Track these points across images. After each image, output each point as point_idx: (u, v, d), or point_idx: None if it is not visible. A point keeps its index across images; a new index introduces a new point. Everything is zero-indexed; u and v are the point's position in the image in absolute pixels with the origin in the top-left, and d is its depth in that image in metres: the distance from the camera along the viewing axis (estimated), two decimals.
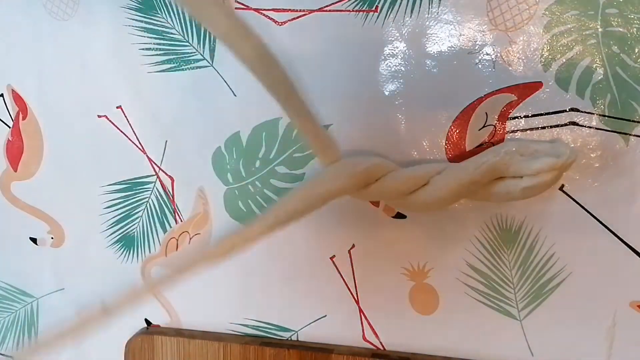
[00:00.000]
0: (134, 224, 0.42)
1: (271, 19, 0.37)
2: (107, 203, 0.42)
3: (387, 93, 0.36)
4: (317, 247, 0.39)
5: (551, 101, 0.33)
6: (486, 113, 0.34)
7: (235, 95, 0.38)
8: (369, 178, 0.34)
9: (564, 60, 0.33)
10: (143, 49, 0.39)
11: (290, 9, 0.36)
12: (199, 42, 0.38)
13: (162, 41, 0.39)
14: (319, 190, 0.33)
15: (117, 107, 0.40)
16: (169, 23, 0.39)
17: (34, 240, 0.45)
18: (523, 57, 0.33)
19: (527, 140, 0.34)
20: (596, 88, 0.33)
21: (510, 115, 0.34)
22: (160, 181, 0.41)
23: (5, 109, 0.43)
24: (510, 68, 0.34)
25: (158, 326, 0.44)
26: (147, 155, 0.41)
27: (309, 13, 0.36)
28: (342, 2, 0.35)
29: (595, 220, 0.34)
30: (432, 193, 0.33)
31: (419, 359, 0.38)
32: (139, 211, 0.42)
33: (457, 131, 0.35)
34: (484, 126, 0.35)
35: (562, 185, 0.34)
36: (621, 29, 0.32)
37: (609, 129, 0.33)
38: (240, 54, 0.27)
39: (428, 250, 0.37)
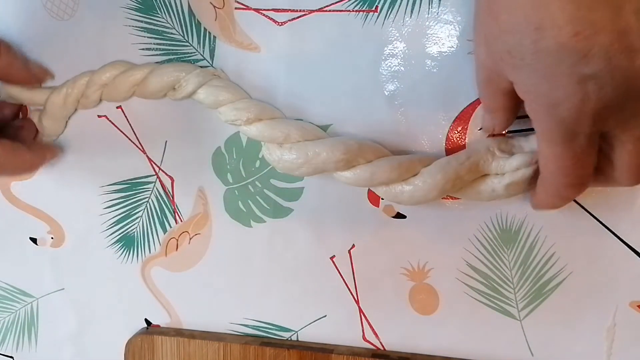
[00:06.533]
0: (134, 224, 0.42)
1: (271, 19, 0.37)
2: (107, 203, 0.42)
3: (387, 93, 0.36)
4: (317, 247, 0.39)
5: None
6: None
7: None
8: (359, 156, 0.34)
9: None
10: (143, 49, 0.39)
11: (290, 9, 0.36)
12: (199, 42, 0.38)
13: (162, 41, 0.39)
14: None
15: (117, 107, 0.40)
16: (169, 23, 0.39)
17: (34, 240, 0.45)
18: None
19: (507, 136, 0.34)
20: None
21: None
22: (160, 181, 0.41)
23: None
24: None
25: (158, 326, 0.44)
26: (147, 155, 0.41)
27: (309, 13, 0.36)
28: (342, 2, 0.35)
29: (595, 220, 0.34)
30: (420, 185, 0.33)
31: (419, 359, 0.38)
32: (139, 211, 0.42)
33: (457, 131, 0.35)
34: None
35: None
36: None
37: None
38: None
39: (428, 250, 0.37)
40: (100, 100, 0.39)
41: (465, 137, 0.35)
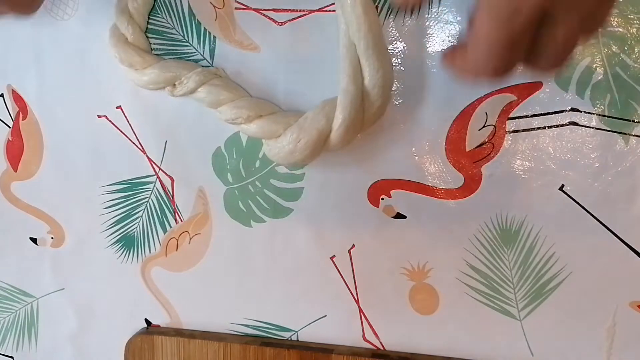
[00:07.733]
0: (134, 224, 0.42)
1: (271, 19, 0.37)
2: (107, 203, 0.42)
3: None
4: (317, 247, 0.39)
5: (551, 101, 0.33)
6: (486, 113, 0.34)
7: None
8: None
9: None
10: None
11: (290, 9, 0.36)
12: (199, 42, 0.38)
13: (162, 41, 0.39)
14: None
15: (117, 107, 0.41)
16: (169, 23, 0.39)
17: (34, 240, 0.45)
18: None
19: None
20: (596, 88, 0.33)
21: (510, 115, 0.34)
22: (160, 181, 0.41)
23: (5, 109, 0.43)
24: None
25: (158, 326, 0.44)
26: (147, 155, 0.41)
27: (309, 13, 0.36)
28: None
29: (595, 220, 0.34)
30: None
31: (419, 359, 0.38)
32: (139, 211, 0.42)
33: (457, 131, 0.35)
34: (484, 126, 0.35)
35: (562, 185, 0.34)
36: (621, 29, 0.32)
37: (609, 129, 0.33)
38: None
39: (428, 250, 0.37)
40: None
41: (465, 137, 0.35)
